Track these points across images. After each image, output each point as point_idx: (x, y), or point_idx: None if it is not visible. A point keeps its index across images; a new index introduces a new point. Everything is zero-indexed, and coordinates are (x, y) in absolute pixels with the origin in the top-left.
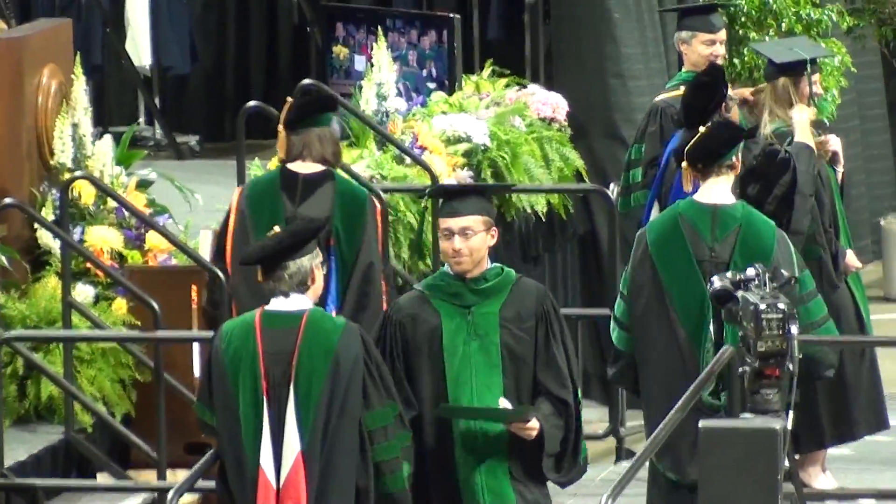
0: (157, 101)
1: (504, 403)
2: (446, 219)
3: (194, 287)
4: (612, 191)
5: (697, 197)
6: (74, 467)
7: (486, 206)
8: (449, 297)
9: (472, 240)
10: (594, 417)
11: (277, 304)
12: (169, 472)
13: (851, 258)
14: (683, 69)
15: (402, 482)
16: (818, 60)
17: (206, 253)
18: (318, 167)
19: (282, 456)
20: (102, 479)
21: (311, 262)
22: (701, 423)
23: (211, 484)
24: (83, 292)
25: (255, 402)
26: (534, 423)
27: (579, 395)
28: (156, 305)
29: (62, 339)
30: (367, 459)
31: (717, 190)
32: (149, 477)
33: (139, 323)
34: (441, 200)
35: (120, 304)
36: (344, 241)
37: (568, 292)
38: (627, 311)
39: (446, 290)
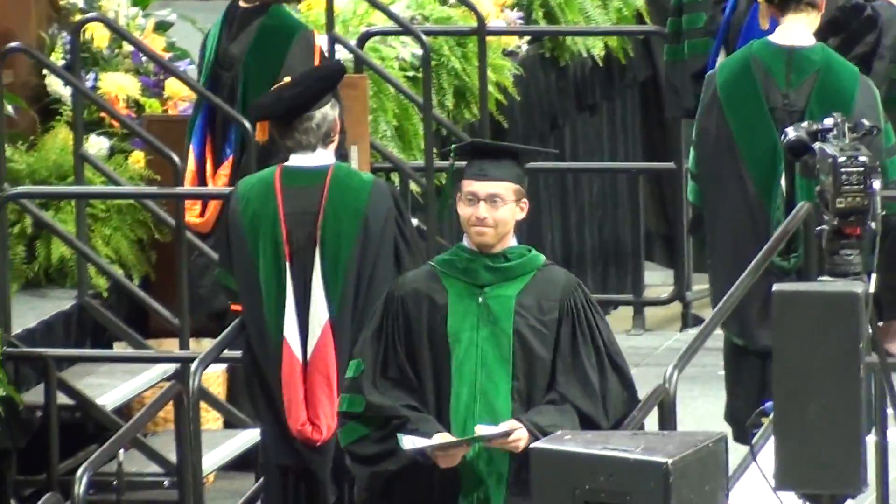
0: None
1: (481, 431)
2: (472, 181)
3: None
4: None
5: (773, 37)
6: (88, 336)
7: (519, 173)
8: (461, 274)
9: (500, 210)
10: (657, 281)
11: (298, 159)
12: (192, 342)
13: None
14: None
15: None
16: None
17: None
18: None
19: (308, 326)
20: (119, 348)
21: (334, 112)
22: (775, 288)
23: (237, 354)
24: (97, 144)
25: (277, 268)
26: (519, 434)
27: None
28: (176, 158)
29: (74, 196)
30: None
31: (796, 30)
32: (170, 346)
33: (158, 178)
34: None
35: (137, 158)
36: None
37: (628, 144)
38: (696, 161)
39: (459, 266)
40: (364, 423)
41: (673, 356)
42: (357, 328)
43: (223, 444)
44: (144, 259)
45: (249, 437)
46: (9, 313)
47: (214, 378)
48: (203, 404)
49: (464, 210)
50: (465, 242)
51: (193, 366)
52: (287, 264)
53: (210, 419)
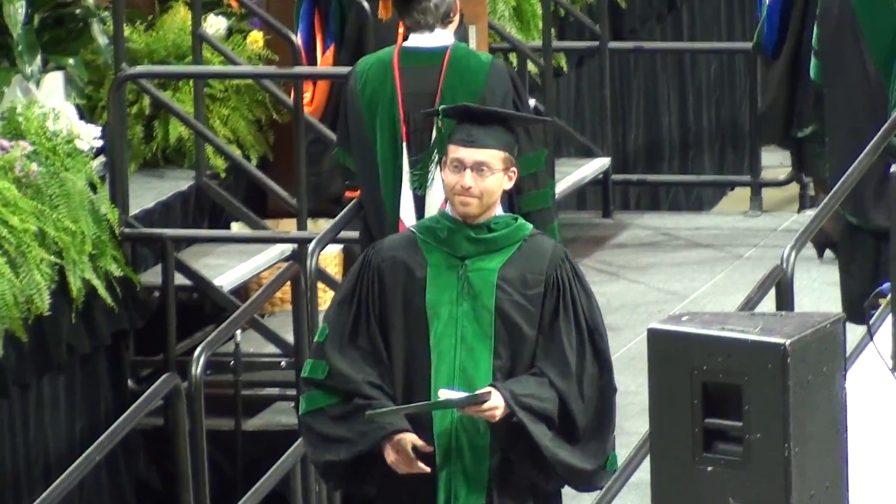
0: None
1: (446, 394)
2: (459, 147)
3: None
4: None
5: None
6: (206, 216)
7: (509, 140)
8: (441, 245)
9: (486, 179)
10: (774, 162)
11: (417, 40)
12: (309, 222)
13: None
14: None
15: (555, 234)
16: None
17: None
18: None
19: (424, 207)
20: (237, 228)
21: None
22: (893, 168)
23: (354, 235)
24: (215, 24)
25: (394, 148)
26: (495, 401)
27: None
28: (294, 38)
29: (192, 76)
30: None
31: None
32: (287, 227)
33: (276, 57)
34: (456, 122)
35: (256, 37)
36: None
37: (745, 24)
38: (819, 39)
39: (440, 236)
40: (326, 392)
41: (790, 237)
42: None
43: None
44: (262, 139)
45: None
46: (127, 194)
47: (331, 258)
48: (320, 284)
49: (448, 177)
50: (449, 210)
51: (311, 246)
52: (404, 144)
53: (327, 299)
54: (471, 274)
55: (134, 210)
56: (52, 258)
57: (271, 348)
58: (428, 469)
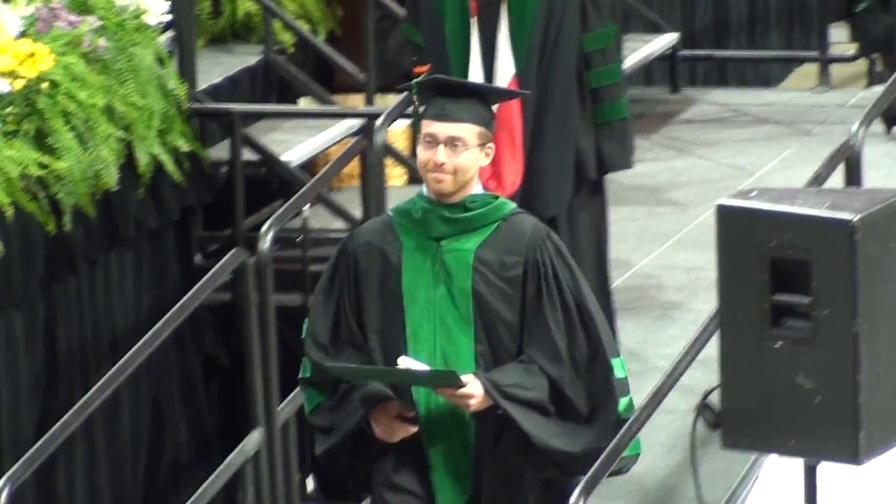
0: None
1: (406, 363)
2: (432, 122)
3: None
4: None
5: None
6: (274, 91)
7: (484, 114)
8: (417, 226)
9: (461, 155)
10: (843, 38)
11: None
12: (378, 98)
13: None
14: None
15: (624, 110)
16: None
17: None
18: None
19: (493, 80)
20: (305, 103)
21: None
22: None
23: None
24: None
25: (463, 23)
26: (472, 388)
27: (613, 367)
28: None
29: None
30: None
31: None
32: (355, 102)
33: None
34: (429, 95)
35: None
36: None
37: None
38: None
39: (415, 217)
40: (317, 388)
41: (859, 114)
42: (542, 84)
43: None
44: (330, 14)
45: None
46: (194, 69)
47: (399, 134)
48: (387, 160)
49: (421, 154)
50: (425, 190)
51: (379, 121)
52: (473, 19)
53: (394, 175)
54: (446, 255)
55: (202, 85)
56: (120, 133)
57: (339, 224)
58: (415, 428)
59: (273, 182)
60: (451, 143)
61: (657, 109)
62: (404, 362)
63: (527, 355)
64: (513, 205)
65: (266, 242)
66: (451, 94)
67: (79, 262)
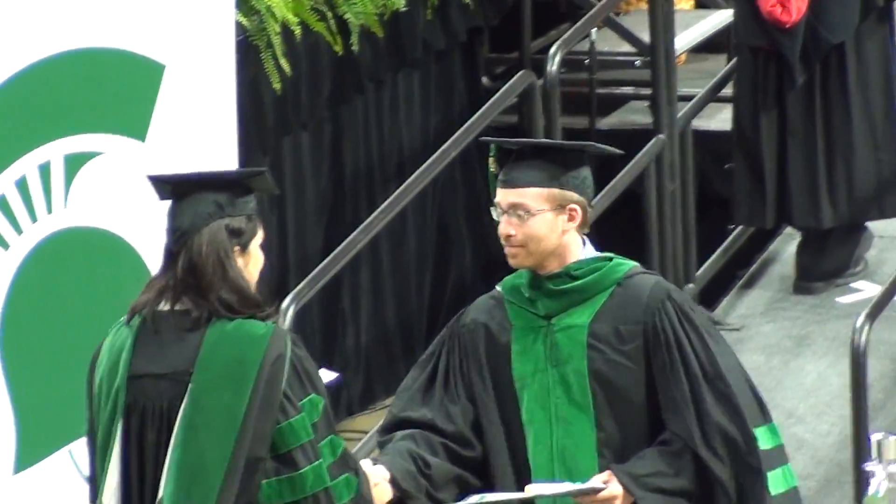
0: None
1: (535, 490)
2: (498, 188)
3: None
4: None
5: None
6: None
7: (556, 174)
8: (524, 304)
9: (528, 223)
10: None
11: None
12: None
13: None
14: None
15: None
16: None
17: None
18: None
19: None
20: None
21: None
22: None
23: None
24: None
25: None
26: (611, 489)
27: (757, 438)
28: None
29: None
30: None
31: None
32: None
33: None
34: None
35: None
36: None
37: None
38: None
39: (524, 294)
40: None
41: None
42: None
43: (695, 24)
44: None
45: (721, 18)
46: None
47: None
48: None
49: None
50: None
51: None
52: None
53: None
54: (557, 334)
55: None
56: None
57: (626, 47)
58: None
59: (561, 4)
60: (514, 210)
61: None
62: (533, 489)
63: (668, 434)
64: (630, 264)
65: (554, 65)
66: (517, 157)
67: (365, 83)
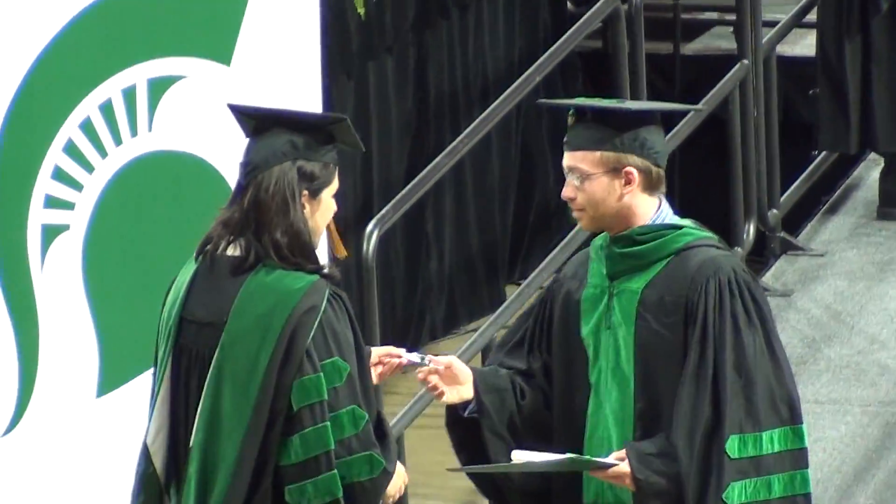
0: None
1: (519, 456)
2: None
3: None
4: None
5: None
6: None
7: (609, 136)
8: (600, 262)
9: (585, 186)
10: None
11: None
12: None
13: None
14: None
15: None
16: None
17: None
18: None
19: None
20: None
21: None
22: None
23: None
24: None
25: None
26: (622, 468)
27: (728, 444)
28: None
29: None
30: None
31: None
32: None
33: None
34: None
35: None
36: None
37: None
38: None
39: (601, 252)
40: None
41: None
42: None
43: None
44: None
45: None
46: None
47: None
48: None
49: None
50: None
51: None
52: None
53: None
54: (615, 298)
55: None
56: None
57: None
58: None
59: None
60: (573, 174)
61: None
62: (517, 456)
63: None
64: (700, 235)
65: None
66: (576, 119)
67: (451, 7)
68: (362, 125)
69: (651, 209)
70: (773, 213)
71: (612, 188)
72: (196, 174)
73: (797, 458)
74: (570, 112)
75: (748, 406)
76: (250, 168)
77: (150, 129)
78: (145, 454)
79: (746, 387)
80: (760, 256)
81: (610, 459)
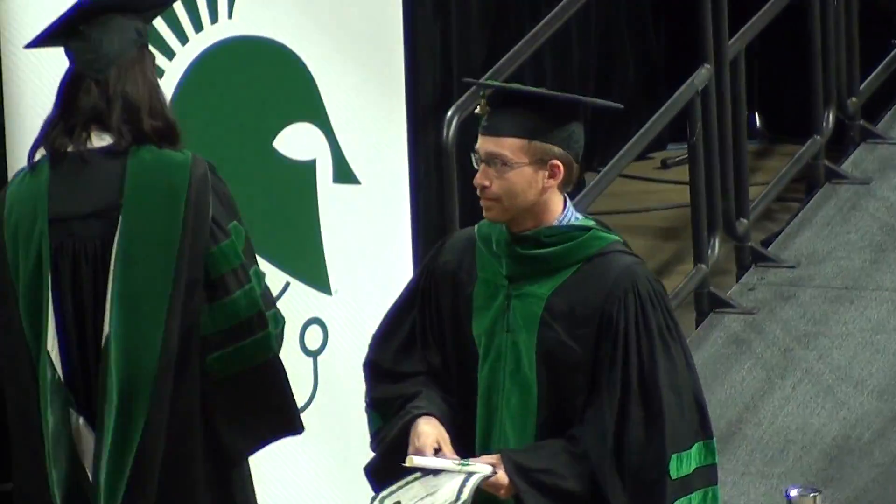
0: None
1: (416, 461)
2: (479, 135)
3: None
4: None
5: None
6: None
7: (541, 126)
8: (493, 257)
9: (505, 175)
10: None
11: None
12: None
13: None
14: None
15: None
16: None
17: None
18: None
19: None
20: None
21: None
22: None
23: None
24: None
25: None
26: (500, 476)
27: (670, 463)
28: None
29: None
30: None
31: None
32: None
33: None
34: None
35: None
36: None
37: None
38: None
39: (492, 247)
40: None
41: None
42: None
43: None
44: None
45: None
46: None
47: None
48: None
49: None
50: None
51: None
52: None
53: None
54: (514, 301)
55: None
56: None
57: None
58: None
59: None
60: (492, 160)
61: None
62: (414, 461)
63: (576, 432)
64: (609, 239)
65: None
66: (502, 103)
67: None
68: (442, 11)
69: (559, 207)
70: (853, 101)
71: (535, 180)
72: (277, 60)
73: (711, 473)
74: (482, 94)
75: (681, 423)
76: (103, 64)
77: (230, 16)
78: (49, 363)
79: (678, 403)
80: (840, 144)
81: (485, 469)
